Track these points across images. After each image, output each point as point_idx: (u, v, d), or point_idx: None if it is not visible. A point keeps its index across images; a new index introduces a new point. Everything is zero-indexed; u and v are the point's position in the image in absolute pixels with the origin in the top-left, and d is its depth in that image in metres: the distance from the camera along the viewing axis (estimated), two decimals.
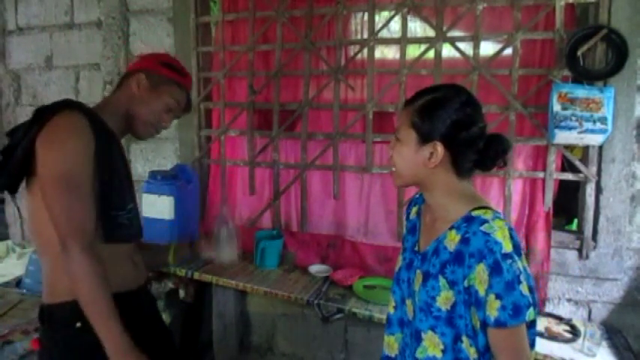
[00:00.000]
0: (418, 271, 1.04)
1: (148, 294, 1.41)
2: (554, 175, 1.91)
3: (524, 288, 0.89)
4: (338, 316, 1.89)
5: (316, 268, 2.18)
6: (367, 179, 2.22)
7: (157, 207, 2.13)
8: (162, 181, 2.10)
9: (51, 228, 1.04)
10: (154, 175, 2.14)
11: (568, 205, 2.14)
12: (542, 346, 1.65)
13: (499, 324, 0.89)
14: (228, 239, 1.44)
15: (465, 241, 0.93)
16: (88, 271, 1.02)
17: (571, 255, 1.92)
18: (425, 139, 0.97)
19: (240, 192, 2.48)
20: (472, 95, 1.00)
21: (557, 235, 1.96)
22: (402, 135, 1.01)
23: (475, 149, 0.97)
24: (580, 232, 1.93)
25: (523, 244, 1.95)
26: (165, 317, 2.24)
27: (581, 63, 1.80)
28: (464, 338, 0.96)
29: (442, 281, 0.96)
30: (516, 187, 1.97)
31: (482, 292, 0.90)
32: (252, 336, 2.48)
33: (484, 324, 0.92)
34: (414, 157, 0.99)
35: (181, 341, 2.38)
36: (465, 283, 0.93)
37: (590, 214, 1.88)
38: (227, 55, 2.41)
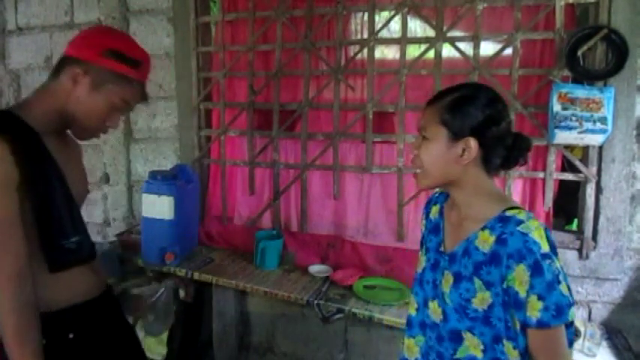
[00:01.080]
0: (447, 272, 1.02)
1: (111, 299, 1.29)
2: (554, 175, 1.91)
3: (564, 288, 0.89)
4: (338, 316, 1.88)
5: (316, 268, 2.17)
6: (367, 179, 2.22)
7: (156, 207, 2.13)
8: (162, 181, 2.10)
9: None
10: (153, 175, 2.14)
11: (568, 205, 2.14)
12: None
13: (542, 325, 0.88)
14: None
15: (501, 241, 0.92)
16: (13, 329, 0.92)
17: (571, 255, 1.92)
18: (457, 135, 0.96)
19: (240, 192, 2.48)
20: (497, 92, 1.01)
21: (557, 235, 1.95)
22: (431, 133, 0.99)
23: (504, 145, 0.98)
24: (580, 232, 1.93)
25: None
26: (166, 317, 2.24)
27: (581, 63, 1.80)
28: (505, 341, 0.95)
29: (477, 283, 0.95)
30: (516, 187, 1.97)
31: (522, 293, 0.89)
32: (252, 336, 2.48)
33: (524, 325, 0.91)
34: (445, 154, 0.97)
35: (181, 341, 2.38)
36: (504, 285, 0.91)
37: (590, 214, 1.88)
38: (227, 55, 2.41)
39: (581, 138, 1.77)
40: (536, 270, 0.88)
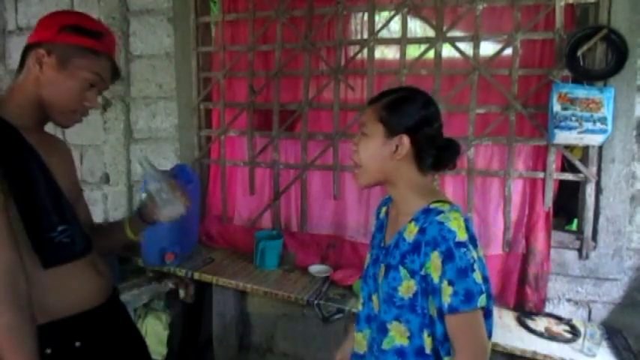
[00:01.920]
0: (382, 265, 1.07)
1: (118, 304, 1.25)
2: (554, 175, 1.91)
3: (477, 276, 0.93)
4: (338, 316, 1.89)
5: (316, 268, 2.18)
6: None
7: None
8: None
9: None
10: None
11: (568, 205, 2.14)
12: (542, 346, 1.65)
13: (452, 310, 0.92)
14: (164, 192, 1.17)
15: (422, 231, 0.98)
16: (9, 325, 0.87)
17: (571, 255, 1.92)
18: (392, 132, 1.02)
19: (240, 192, 2.48)
20: (431, 96, 1.08)
21: (557, 235, 1.96)
22: (369, 130, 1.05)
23: (436, 145, 1.04)
24: (580, 232, 1.93)
25: (523, 244, 1.95)
26: (165, 317, 2.24)
27: (581, 63, 1.80)
28: (424, 329, 0.99)
29: (403, 271, 1.00)
30: (516, 187, 1.97)
31: (436, 279, 0.94)
32: (252, 336, 2.48)
33: (440, 311, 0.95)
34: (380, 149, 1.03)
35: (181, 341, 2.38)
36: (422, 272, 0.97)
37: (590, 214, 1.88)
38: (227, 55, 2.41)
39: (581, 138, 1.77)
40: (448, 256, 0.92)
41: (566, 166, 1.92)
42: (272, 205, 2.39)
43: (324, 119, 2.29)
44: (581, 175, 1.88)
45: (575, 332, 1.75)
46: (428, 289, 0.97)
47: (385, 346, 1.04)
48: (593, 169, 1.85)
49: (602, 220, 1.86)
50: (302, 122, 2.28)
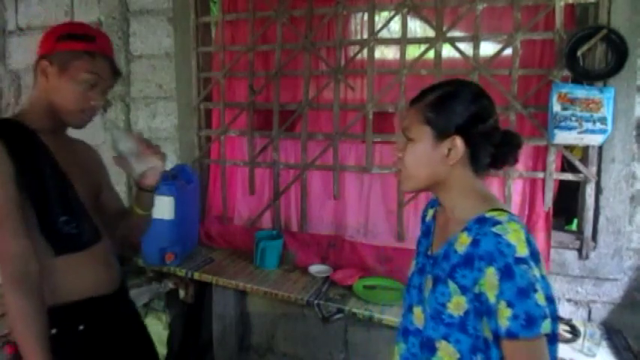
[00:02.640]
0: (429, 276, 0.98)
1: (125, 297, 1.32)
2: (554, 175, 1.91)
3: (539, 297, 0.81)
4: (338, 316, 1.88)
5: (316, 269, 2.17)
6: (367, 179, 2.22)
7: (156, 207, 2.09)
8: (162, 181, 2.08)
9: None
10: None
11: (568, 205, 2.14)
12: None
13: (510, 335, 0.81)
14: (134, 149, 1.21)
15: (475, 242, 0.87)
16: (18, 310, 0.98)
17: (571, 255, 1.92)
18: (442, 134, 0.92)
19: (240, 192, 2.48)
20: (482, 88, 0.97)
21: (557, 235, 1.96)
22: (415, 133, 0.95)
23: (492, 143, 0.93)
24: (580, 232, 1.93)
25: None
26: (165, 317, 2.24)
27: (581, 63, 1.80)
28: (477, 352, 0.88)
29: (452, 286, 0.90)
30: (516, 187, 1.97)
31: (492, 299, 0.82)
32: (252, 336, 2.48)
33: (496, 335, 0.84)
34: (431, 154, 0.93)
35: (181, 341, 2.38)
36: (476, 289, 0.85)
37: (590, 215, 1.88)
38: (227, 56, 2.41)
39: (580, 138, 1.77)
40: (506, 274, 0.81)
41: (566, 166, 1.92)
42: (272, 205, 2.39)
43: (324, 119, 2.29)
44: (581, 175, 1.88)
45: (575, 332, 1.75)
46: (482, 308, 0.85)
47: None
48: (593, 169, 1.85)
49: (602, 220, 1.86)
50: (302, 122, 2.28)
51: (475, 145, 0.92)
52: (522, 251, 0.83)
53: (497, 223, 0.86)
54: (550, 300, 0.84)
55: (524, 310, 0.80)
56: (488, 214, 0.89)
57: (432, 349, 0.93)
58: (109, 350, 1.17)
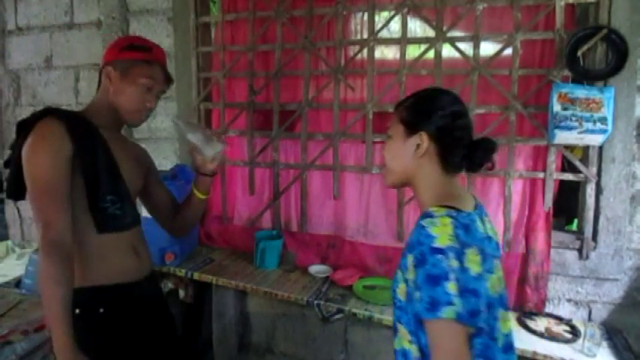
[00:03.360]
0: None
1: (153, 286, 1.43)
2: (554, 175, 1.91)
3: (450, 286, 0.85)
4: (338, 316, 1.88)
5: (316, 269, 2.17)
6: (367, 179, 2.22)
7: None
8: (163, 180, 2.10)
9: None
10: None
11: (568, 205, 2.14)
12: (542, 346, 1.65)
13: (417, 316, 0.91)
14: (201, 135, 1.36)
15: (410, 233, 0.97)
16: (47, 274, 1.07)
17: (571, 255, 1.92)
18: (411, 130, 1.02)
19: (240, 192, 2.48)
20: (457, 96, 1.05)
21: (557, 236, 1.96)
22: (392, 131, 1.07)
23: (461, 143, 1.01)
24: (580, 232, 1.93)
25: (523, 244, 1.95)
26: None
27: (581, 63, 1.80)
28: (419, 332, 0.95)
29: (399, 273, 0.99)
30: (516, 188, 1.97)
31: (411, 284, 0.92)
32: (252, 336, 2.48)
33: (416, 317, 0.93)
34: (402, 149, 1.03)
35: (181, 341, 2.38)
36: (407, 275, 0.94)
37: (590, 215, 1.88)
38: (227, 56, 2.41)
39: (581, 138, 1.77)
40: (420, 261, 0.88)
41: (566, 166, 1.92)
42: (272, 205, 2.39)
43: (324, 119, 2.29)
44: (581, 175, 1.88)
45: (575, 332, 1.75)
46: (410, 292, 0.93)
47: (396, 345, 1.03)
48: (594, 169, 1.85)
49: (602, 220, 1.86)
50: (302, 122, 2.28)
51: (444, 144, 1.01)
52: (442, 243, 0.88)
53: (429, 216, 0.93)
54: (472, 293, 0.88)
55: (428, 295, 0.87)
56: (431, 209, 0.96)
57: (396, 331, 1.04)
58: (129, 335, 1.25)
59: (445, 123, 1.00)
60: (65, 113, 1.22)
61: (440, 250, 0.88)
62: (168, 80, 1.35)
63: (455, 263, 0.87)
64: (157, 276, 1.47)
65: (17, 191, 1.21)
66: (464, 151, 1.01)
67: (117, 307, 1.23)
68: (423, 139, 1.00)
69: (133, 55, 1.27)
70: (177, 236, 1.58)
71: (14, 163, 1.19)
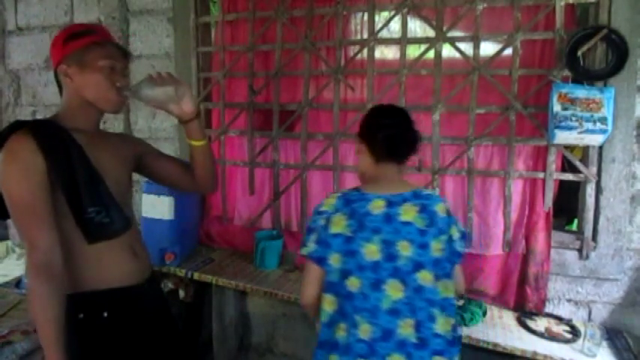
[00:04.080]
0: None
1: (155, 287, 1.42)
2: (555, 175, 1.91)
3: (313, 236, 1.26)
4: None
5: None
6: None
7: (156, 207, 2.13)
8: None
9: None
10: None
11: (568, 206, 2.14)
12: (542, 346, 1.65)
13: None
14: (148, 88, 1.25)
15: None
16: (37, 295, 1.06)
17: (571, 255, 1.92)
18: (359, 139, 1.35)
19: (240, 192, 2.48)
20: (381, 106, 1.39)
21: (557, 236, 1.96)
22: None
23: (376, 141, 1.27)
24: (580, 232, 1.93)
25: (523, 244, 1.95)
26: None
27: (582, 63, 1.80)
28: None
29: None
30: (516, 188, 1.97)
31: None
32: (252, 336, 2.48)
33: None
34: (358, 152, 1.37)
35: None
36: None
37: (590, 215, 1.88)
38: (227, 56, 2.41)
39: (581, 138, 1.77)
40: (310, 217, 1.33)
41: (567, 166, 1.92)
42: (272, 205, 2.39)
43: (324, 119, 2.29)
44: (581, 175, 1.88)
45: (575, 332, 1.75)
46: None
47: None
48: (594, 169, 1.85)
49: (602, 220, 1.86)
50: (302, 122, 2.28)
51: (367, 143, 1.30)
52: (322, 208, 1.28)
53: (333, 194, 1.31)
54: (324, 244, 1.23)
55: (303, 239, 1.30)
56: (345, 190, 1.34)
57: None
58: (133, 339, 1.24)
59: (365, 129, 1.32)
60: (35, 125, 1.16)
61: (318, 212, 1.28)
62: (125, 55, 1.26)
63: (322, 222, 1.25)
64: (157, 277, 1.45)
65: (1, 211, 1.16)
66: (382, 144, 1.27)
67: (120, 310, 1.22)
68: (361, 143, 1.33)
69: (79, 43, 1.18)
70: (208, 192, 1.69)
71: None
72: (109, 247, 1.20)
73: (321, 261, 1.23)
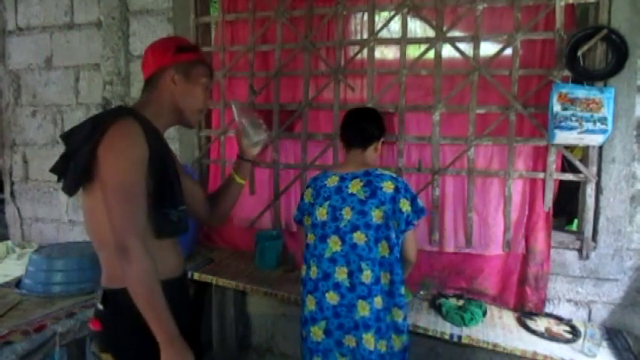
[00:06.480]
0: None
1: (187, 280, 1.47)
2: (555, 175, 1.91)
3: (298, 206, 1.69)
4: None
5: None
6: None
7: None
8: None
9: (108, 227, 1.14)
10: None
11: (568, 206, 2.14)
12: (542, 346, 1.65)
13: None
14: (253, 120, 1.43)
15: None
16: (147, 271, 1.10)
17: (571, 255, 1.92)
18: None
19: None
20: (352, 109, 1.73)
21: (558, 236, 1.96)
22: None
23: (341, 134, 1.68)
24: (580, 232, 1.93)
25: (523, 244, 1.96)
26: None
27: (582, 63, 1.80)
28: None
29: None
30: (516, 188, 1.97)
31: None
32: (252, 336, 2.48)
33: None
34: None
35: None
36: None
37: (590, 215, 1.88)
38: (227, 56, 2.41)
39: (581, 138, 1.77)
40: None
41: (567, 166, 1.92)
42: (272, 205, 2.39)
43: (324, 119, 2.29)
44: (581, 175, 1.88)
45: (575, 333, 1.75)
46: None
47: None
48: (594, 170, 1.85)
49: (602, 220, 1.86)
50: (302, 122, 2.28)
51: (340, 136, 1.69)
52: (305, 188, 1.69)
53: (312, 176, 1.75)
54: (300, 210, 1.68)
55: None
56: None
57: None
58: (180, 327, 1.25)
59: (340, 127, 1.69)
60: (139, 115, 1.22)
61: (307, 186, 1.67)
62: (212, 75, 1.38)
63: (304, 195, 1.66)
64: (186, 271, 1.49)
65: (76, 187, 1.19)
66: (346, 134, 1.65)
67: (173, 300, 1.22)
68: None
69: (188, 56, 1.29)
70: (218, 225, 1.69)
71: (84, 157, 1.15)
72: (168, 242, 1.26)
73: (300, 222, 1.69)
